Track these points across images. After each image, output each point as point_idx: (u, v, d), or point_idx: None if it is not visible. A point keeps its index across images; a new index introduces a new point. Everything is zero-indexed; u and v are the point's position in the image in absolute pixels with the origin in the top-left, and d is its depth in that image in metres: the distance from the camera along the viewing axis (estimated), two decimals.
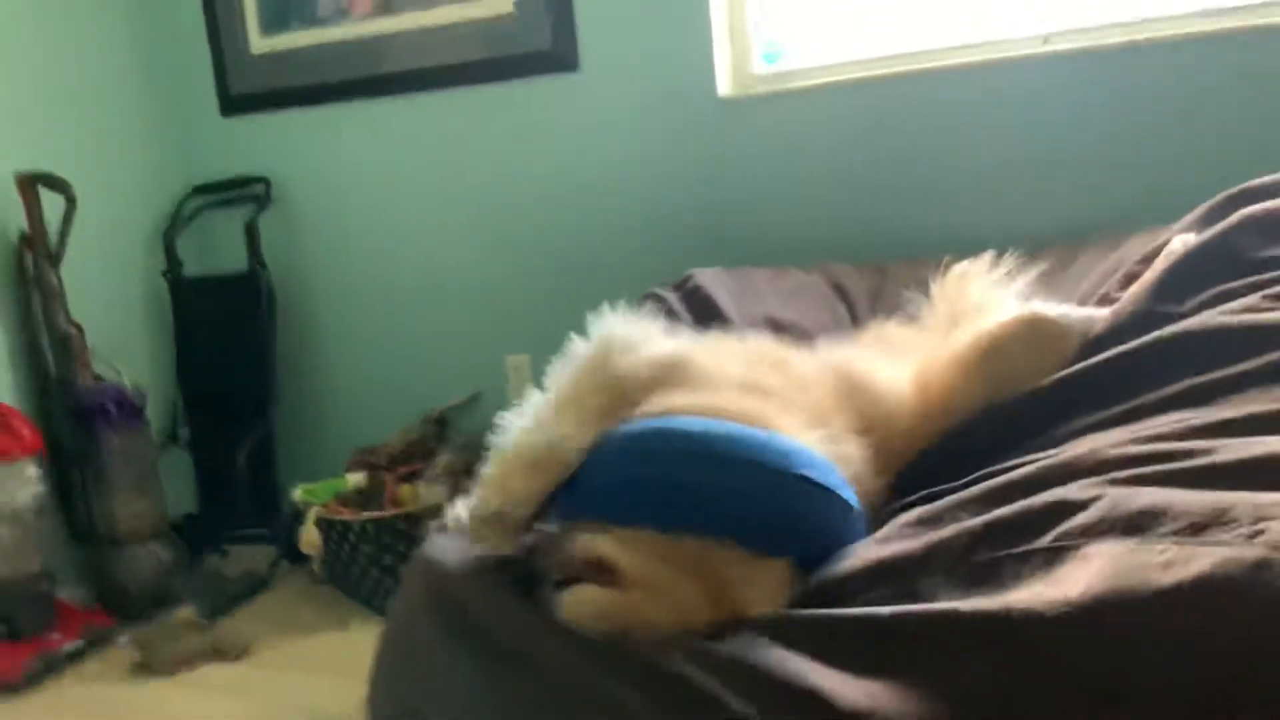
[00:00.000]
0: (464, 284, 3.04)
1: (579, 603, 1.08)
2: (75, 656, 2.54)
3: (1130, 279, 1.56)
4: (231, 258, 3.20)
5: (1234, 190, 1.56)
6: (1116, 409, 1.25)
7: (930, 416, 1.39)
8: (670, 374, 1.28)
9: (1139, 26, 2.34)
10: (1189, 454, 1.07)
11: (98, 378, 2.85)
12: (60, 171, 2.76)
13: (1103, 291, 1.66)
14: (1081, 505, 1.02)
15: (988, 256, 1.67)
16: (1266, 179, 1.54)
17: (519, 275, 2.96)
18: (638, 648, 1.03)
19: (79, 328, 2.82)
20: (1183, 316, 1.33)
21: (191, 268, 3.27)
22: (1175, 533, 0.93)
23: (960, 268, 1.70)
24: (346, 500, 2.75)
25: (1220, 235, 1.43)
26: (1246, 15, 2.24)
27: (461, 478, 2.59)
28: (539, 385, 1.30)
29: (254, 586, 2.88)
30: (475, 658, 1.15)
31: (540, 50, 2.80)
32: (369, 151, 3.09)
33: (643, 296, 2.06)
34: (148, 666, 2.46)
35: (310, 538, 2.73)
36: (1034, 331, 1.40)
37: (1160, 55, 2.29)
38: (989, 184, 2.47)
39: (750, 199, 2.69)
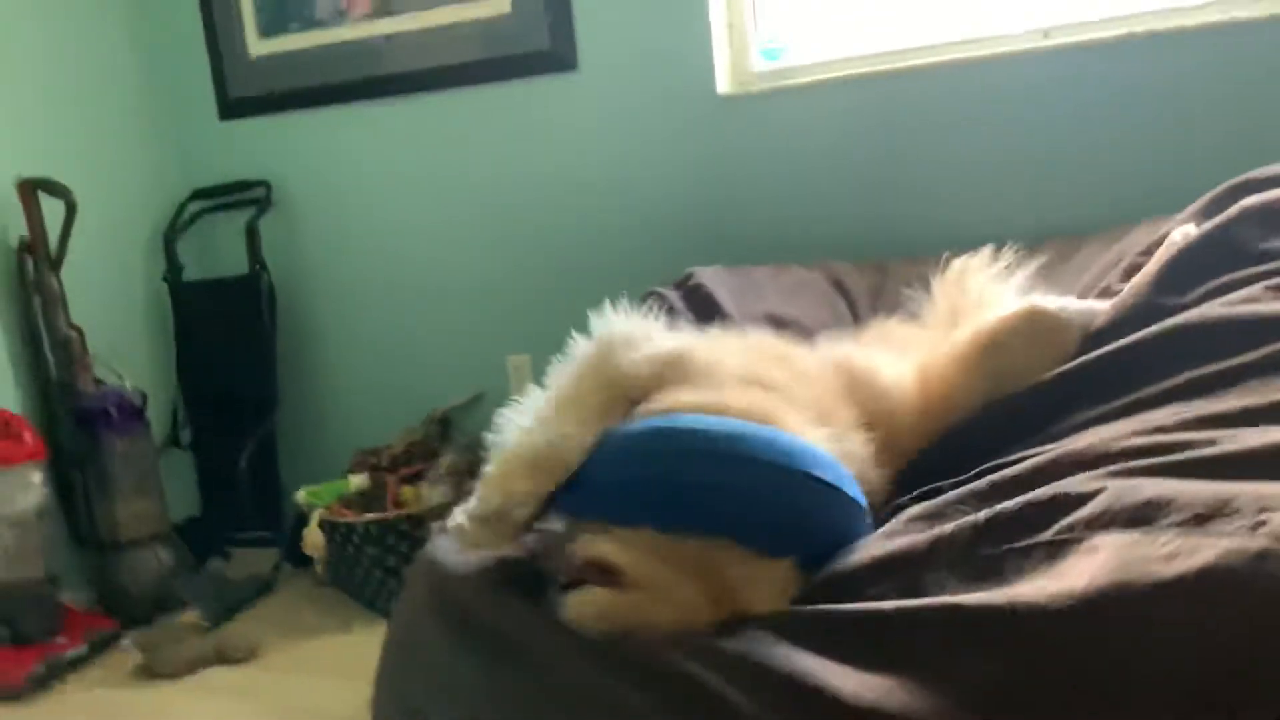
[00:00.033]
0: (465, 284, 3.04)
1: (581, 605, 1.07)
2: (79, 661, 2.54)
3: (1132, 271, 1.56)
4: (232, 260, 3.20)
5: (1235, 181, 1.55)
6: (1118, 402, 1.24)
7: (931, 412, 1.39)
8: (672, 370, 1.27)
9: (1138, 19, 2.34)
10: (1191, 445, 1.07)
11: (99, 382, 2.85)
12: (60, 177, 2.76)
13: (1104, 284, 1.65)
14: (1084, 498, 1.02)
15: (987, 251, 1.67)
16: (1268, 169, 1.54)
17: (520, 275, 2.96)
18: (641, 647, 1.03)
19: (80, 332, 2.82)
20: (1184, 308, 1.32)
21: (192, 271, 3.27)
22: (1178, 524, 0.93)
23: (959, 263, 1.70)
24: (349, 502, 2.75)
25: (1221, 227, 1.42)
26: (1247, 6, 2.24)
27: (464, 478, 2.59)
28: (540, 385, 1.30)
29: (258, 589, 2.89)
30: (478, 658, 1.15)
31: (539, 50, 2.80)
32: (369, 153, 3.10)
33: (643, 295, 2.06)
34: (152, 670, 2.46)
35: (313, 540, 2.73)
36: (1034, 325, 1.40)
37: (1160, 48, 2.29)
38: (990, 179, 2.47)
39: (751, 197, 2.69)
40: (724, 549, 1.08)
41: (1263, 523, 0.89)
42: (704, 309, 2.01)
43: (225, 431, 3.14)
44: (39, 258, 2.77)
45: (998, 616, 0.92)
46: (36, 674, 2.43)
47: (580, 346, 1.29)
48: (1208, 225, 1.44)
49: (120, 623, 2.70)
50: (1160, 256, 1.45)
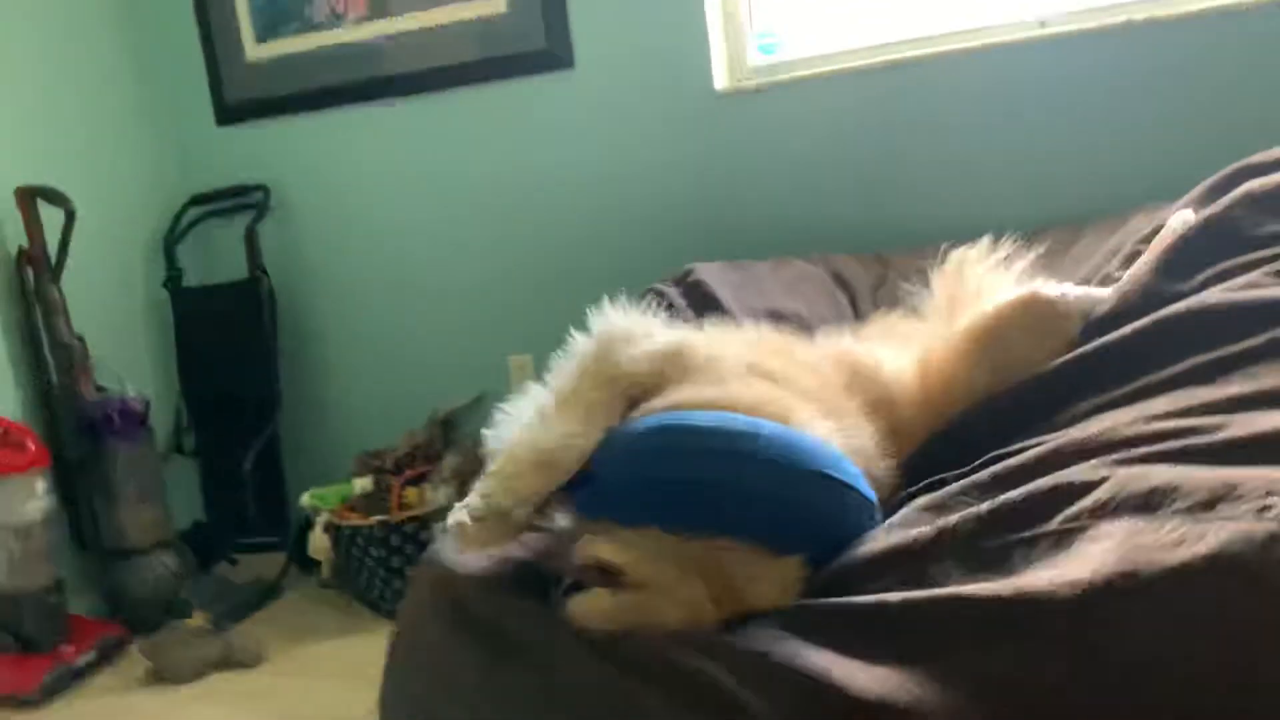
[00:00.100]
0: (465, 284, 3.04)
1: (583, 607, 1.07)
2: (89, 669, 2.55)
3: (1131, 258, 1.55)
4: (232, 265, 3.20)
5: (1236, 166, 1.55)
6: (1121, 390, 1.24)
7: (932, 403, 1.38)
8: (672, 365, 1.26)
9: (1136, 6, 2.34)
10: (1195, 432, 1.07)
11: (101, 389, 2.85)
12: (58, 185, 2.77)
13: (1104, 272, 1.65)
14: (1088, 487, 1.01)
15: (985, 242, 1.66)
16: (1268, 154, 1.53)
17: (519, 275, 2.96)
18: (647, 644, 1.02)
19: (81, 340, 2.83)
20: (1186, 295, 1.32)
21: (192, 277, 3.27)
22: (1184, 511, 0.92)
23: (957, 255, 1.69)
24: (354, 505, 2.75)
25: (1222, 212, 1.42)
26: None
27: (468, 479, 2.58)
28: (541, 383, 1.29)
29: (264, 593, 2.89)
30: (485, 658, 1.15)
31: (535, 49, 2.80)
32: (366, 154, 3.10)
33: (643, 292, 2.05)
34: (161, 676, 2.47)
35: (319, 543, 2.73)
36: (1032, 312, 1.39)
37: (1158, 34, 2.29)
38: (989, 170, 2.47)
39: (750, 192, 2.69)
40: (731, 548, 1.08)
41: (1269, 507, 0.88)
42: (704, 304, 2.00)
43: (229, 437, 3.15)
44: (39, 266, 2.77)
45: (1006, 606, 0.92)
46: (48, 682, 2.44)
47: (580, 344, 1.28)
48: (1208, 211, 1.44)
49: (128, 630, 2.70)
50: (1160, 243, 1.45)
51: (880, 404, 1.35)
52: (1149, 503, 0.95)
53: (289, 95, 3.11)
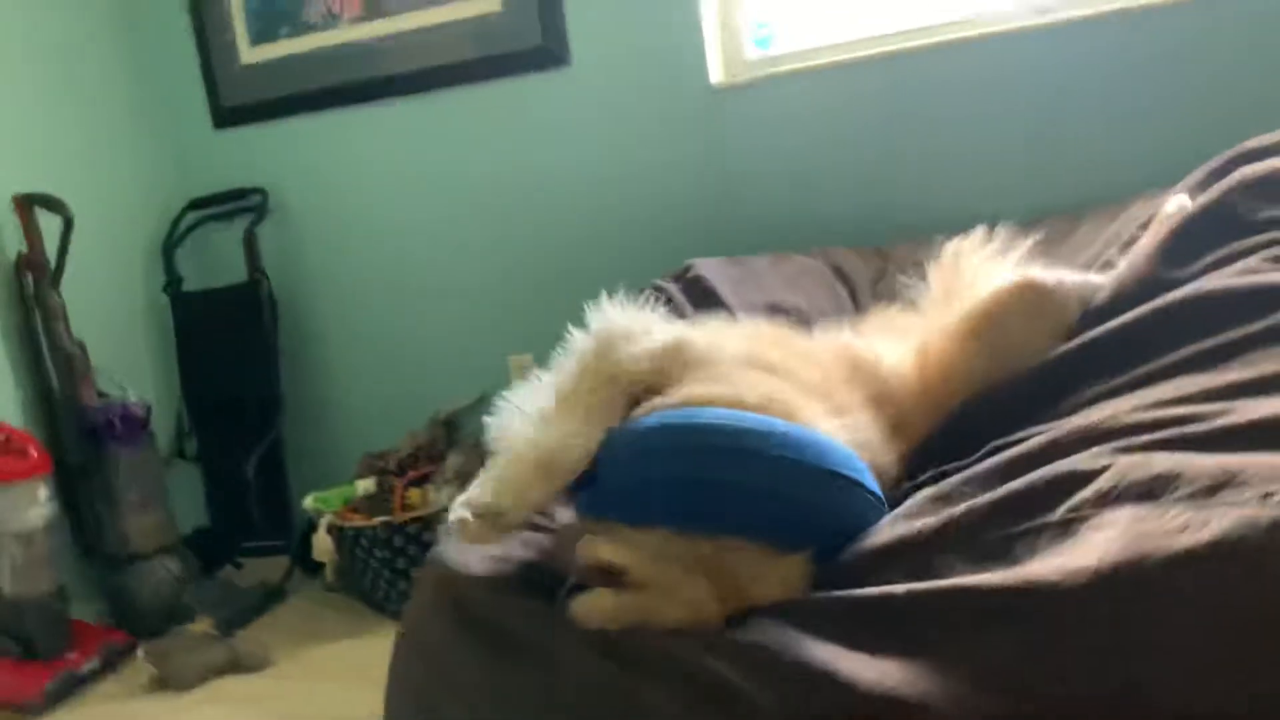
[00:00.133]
0: (464, 284, 3.04)
1: (586, 608, 1.07)
2: (93, 675, 2.54)
3: (1131, 244, 1.55)
4: (231, 269, 3.20)
5: (1233, 151, 1.55)
6: (1122, 378, 1.24)
7: (931, 393, 1.38)
8: (672, 362, 1.26)
9: None
10: (1197, 419, 1.07)
11: (102, 395, 2.85)
12: (56, 191, 2.76)
13: (1103, 258, 1.65)
14: (1091, 475, 1.01)
15: (980, 232, 1.66)
16: (1265, 138, 1.53)
17: (519, 273, 2.96)
18: (652, 641, 1.02)
19: (82, 346, 2.82)
20: (1184, 281, 1.32)
21: (192, 281, 3.27)
22: (1187, 497, 0.92)
23: (953, 246, 1.69)
24: (357, 506, 2.75)
25: (1219, 198, 1.41)
26: None
27: (471, 479, 2.58)
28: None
29: (269, 597, 2.89)
30: (490, 657, 1.15)
31: (530, 47, 2.79)
32: (364, 155, 3.09)
33: (642, 288, 2.05)
34: (166, 681, 2.46)
35: (323, 545, 2.73)
36: (1028, 298, 1.39)
37: (1154, 19, 2.28)
38: (988, 159, 2.46)
39: (748, 186, 2.68)
40: (739, 547, 1.07)
41: (1272, 493, 0.88)
42: (704, 300, 2.00)
43: (231, 440, 3.14)
44: (39, 272, 2.77)
45: (1011, 596, 0.92)
46: (52, 689, 2.43)
47: (579, 342, 1.28)
48: (1205, 197, 1.44)
49: (132, 636, 2.69)
50: (1159, 230, 1.44)
51: (881, 398, 1.35)
52: (1152, 490, 0.95)
53: (285, 97, 3.10)
